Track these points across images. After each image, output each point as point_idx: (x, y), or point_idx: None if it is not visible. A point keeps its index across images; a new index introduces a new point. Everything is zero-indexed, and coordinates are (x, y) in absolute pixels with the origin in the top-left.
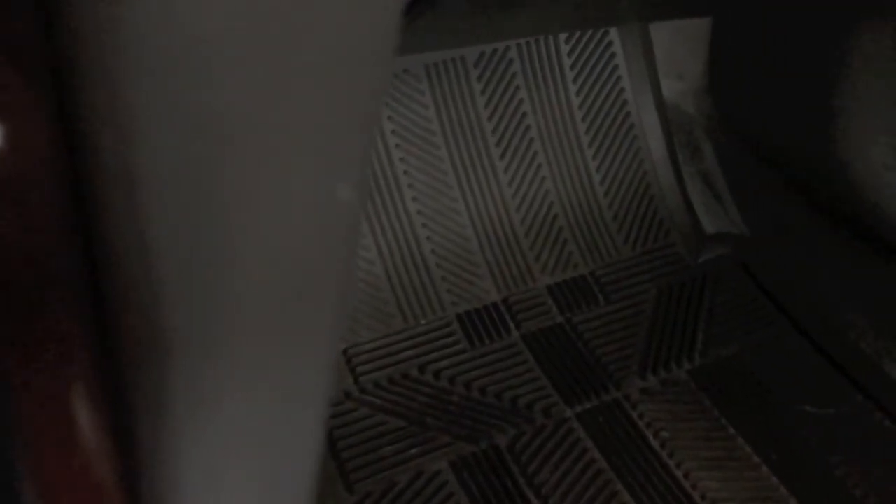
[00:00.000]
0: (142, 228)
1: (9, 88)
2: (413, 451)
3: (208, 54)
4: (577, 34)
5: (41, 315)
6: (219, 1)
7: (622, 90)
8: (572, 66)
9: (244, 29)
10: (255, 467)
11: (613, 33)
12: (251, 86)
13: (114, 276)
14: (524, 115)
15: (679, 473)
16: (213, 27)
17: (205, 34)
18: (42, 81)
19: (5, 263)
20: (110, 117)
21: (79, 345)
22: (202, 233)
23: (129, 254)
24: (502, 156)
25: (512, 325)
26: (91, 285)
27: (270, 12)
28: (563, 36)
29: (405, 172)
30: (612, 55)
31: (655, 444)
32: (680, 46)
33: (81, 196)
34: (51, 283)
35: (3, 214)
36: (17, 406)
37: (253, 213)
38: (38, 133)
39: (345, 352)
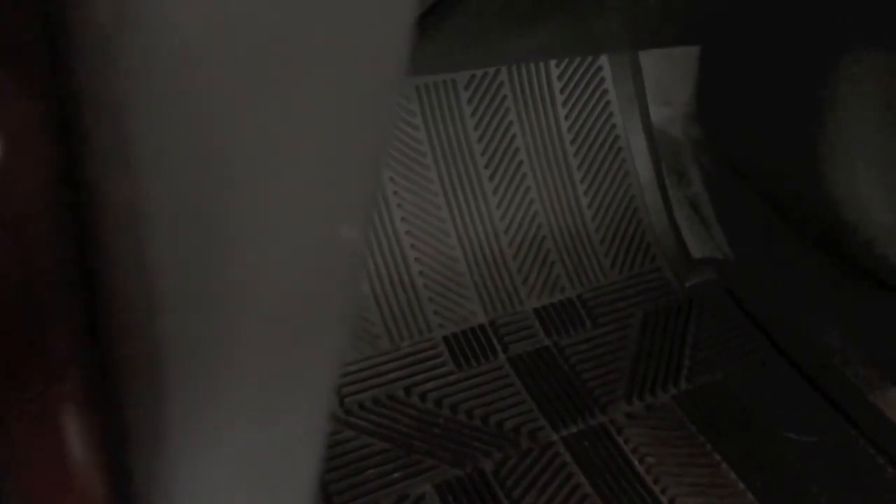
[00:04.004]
0: (144, 260)
1: (5, 95)
2: (397, 474)
3: (216, 89)
4: (567, 60)
5: (30, 334)
6: (228, 36)
7: (611, 115)
8: (562, 90)
9: (253, 67)
10: (253, 491)
11: (603, 59)
12: (258, 125)
13: (112, 301)
14: (514, 137)
15: (664, 499)
16: (221, 61)
17: (212, 69)
18: (45, 99)
19: None
20: (116, 151)
21: (70, 365)
22: (205, 266)
23: (130, 281)
24: (491, 178)
25: (499, 348)
26: (87, 307)
27: (278, 52)
28: (553, 60)
29: (394, 193)
30: (602, 80)
31: (641, 468)
32: (668, 73)
33: (81, 223)
34: (43, 305)
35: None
36: (4, 427)
37: (256, 250)
38: (37, 148)
39: None
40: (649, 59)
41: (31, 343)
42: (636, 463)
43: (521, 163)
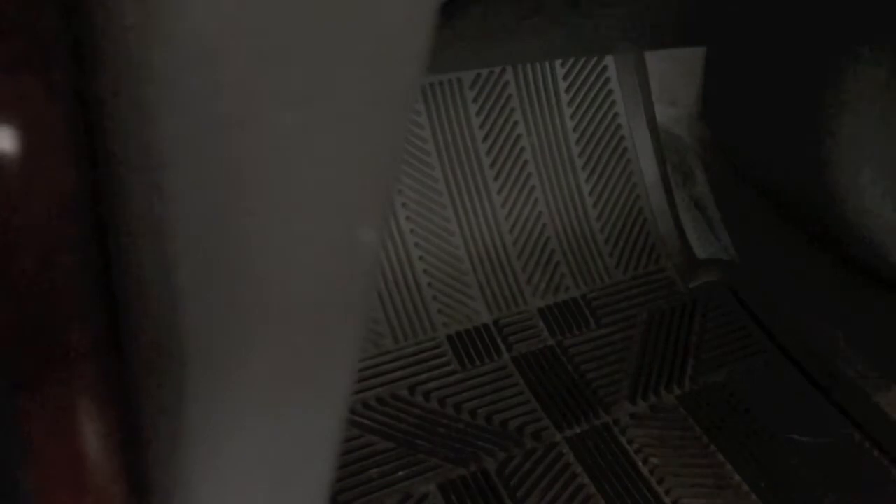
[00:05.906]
0: (165, 259)
1: (31, 97)
2: (401, 473)
3: (235, 89)
4: (573, 59)
5: (49, 330)
6: (248, 37)
7: (616, 115)
8: (567, 90)
9: (272, 76)
10: (269, 489)
11: (608, 59)
12: (278, 133)
13: (133, 299)
14: (519, 137)
15: (668, 500)
16: (241, 62)
17: (232, 69)
18: (70, 101)
19: (17, 279)
20: (137, 150)
21: (88, 361)
22: (224, 265)
23: (150, 279)
24: (496, 177)
25: (503, 347)
26: (107, 305)
27: (297, 60)
28: (558, 61)
29: (399, 192)
30: (607, 80)
31: (645, 469)
32: (674, 73)
33: (103, 222)
34: (63, 302)
35: (21, 233)
36: (22, 421)
37: (275, 249)
38: (61, 148)
39: None
40: (654, 59)
41: (49, 339)
42: (640, 463)
43: (525, 162)
